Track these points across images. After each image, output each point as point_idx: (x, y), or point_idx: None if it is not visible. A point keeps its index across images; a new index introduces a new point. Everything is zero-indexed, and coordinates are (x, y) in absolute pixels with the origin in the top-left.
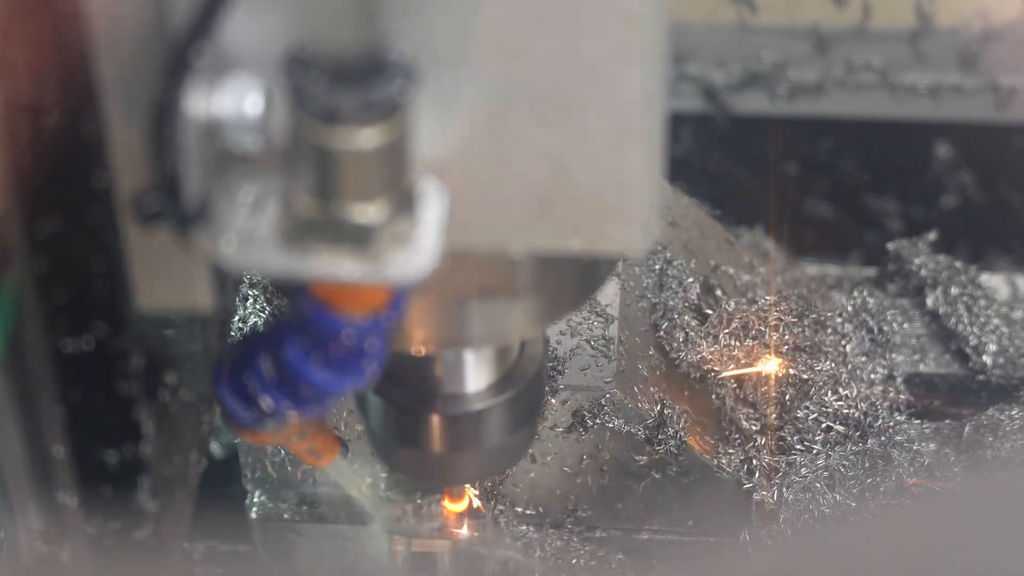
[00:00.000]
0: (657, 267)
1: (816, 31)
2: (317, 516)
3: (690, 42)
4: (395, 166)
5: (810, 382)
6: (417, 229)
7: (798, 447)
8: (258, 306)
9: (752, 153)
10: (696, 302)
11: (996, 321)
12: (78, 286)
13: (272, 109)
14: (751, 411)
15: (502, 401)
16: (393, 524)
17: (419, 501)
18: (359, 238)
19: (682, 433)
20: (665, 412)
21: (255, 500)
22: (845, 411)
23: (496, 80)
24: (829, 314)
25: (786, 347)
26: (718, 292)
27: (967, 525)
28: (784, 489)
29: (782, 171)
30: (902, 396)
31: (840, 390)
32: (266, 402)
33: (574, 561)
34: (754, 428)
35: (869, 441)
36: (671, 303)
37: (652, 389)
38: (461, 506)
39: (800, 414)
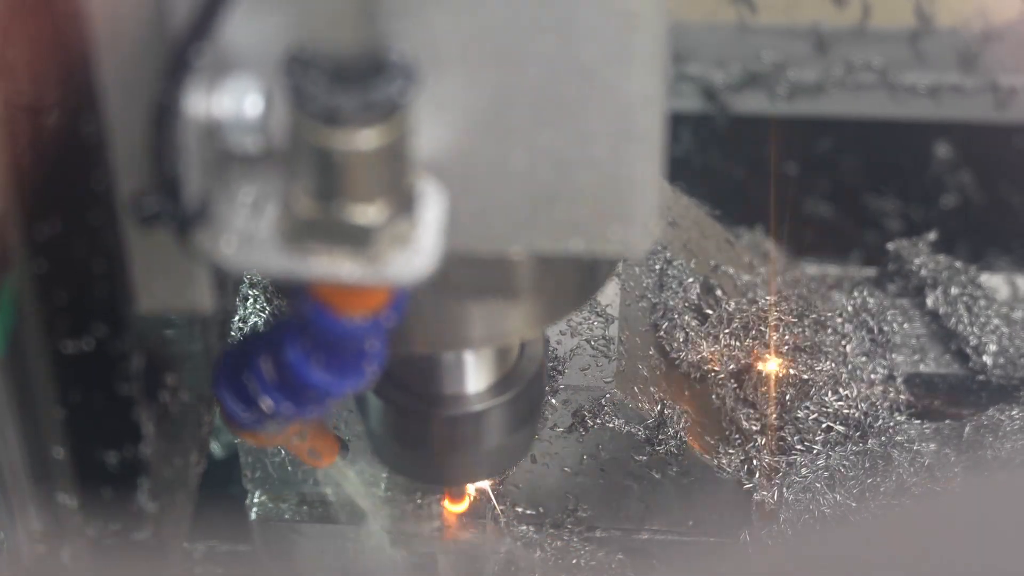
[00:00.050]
0: (657, 267)
1: (816, 31)
2: (317, 516)
3: (690, 42)
4: (395, 167)
5: (810, 382)
6: (417, 230)
7: (798, 447)
8: (258, 306)
9: (752, 153)
10: (696, 302)
11: (996, 321)
12: (78, 287)
13: (272, 109)
14: (751, 411)
15: (502, 402)
16: (393, 524)
17: (419, 501)
18: (359, 239)
19: (682, 433)
20: (665, 412)
21: (255, 500)
22: (845, 411)
23: (496, 80)
24: (829, 314)
25: (786, 347)
26: (718, 292)
27: (967, 525)
28: (784, 489)
29: (782, 171)
30: (902, 396)
31: (840, 390)
32: (266, 403)
33: (574, 561)
34: (754, 428)
35: (869, 441)
36: (671, 303)
37: (652, 389)
38: (461, 507)
39: (800, 414)
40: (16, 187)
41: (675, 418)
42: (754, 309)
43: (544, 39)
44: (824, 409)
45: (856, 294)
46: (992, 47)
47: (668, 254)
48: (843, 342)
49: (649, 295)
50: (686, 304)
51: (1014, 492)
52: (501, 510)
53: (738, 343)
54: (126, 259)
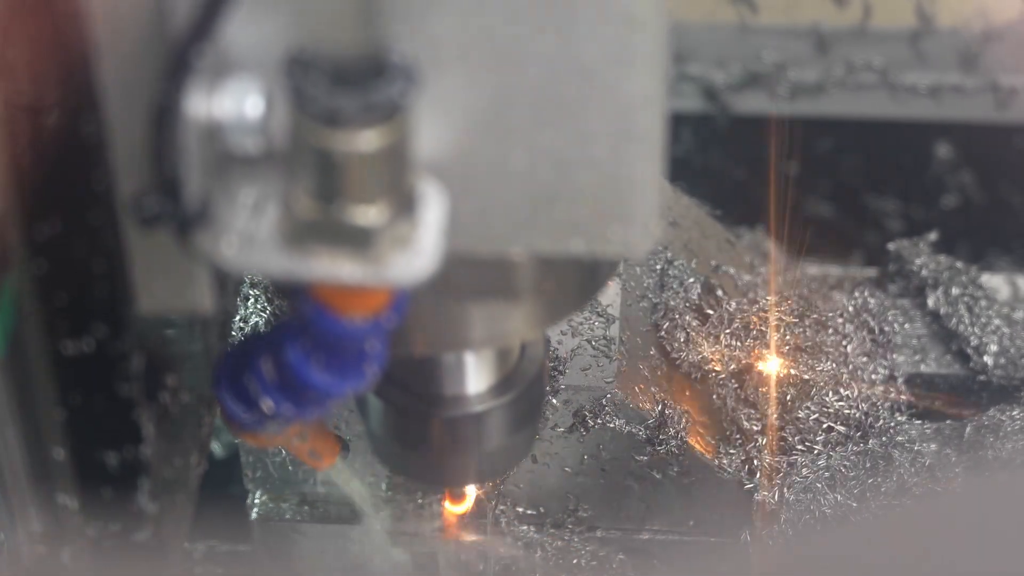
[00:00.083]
0: (658, 267)
1: (816, 31)
2: (318, 516)
3: (690, 42)
4: (395, 168)
5: (811, 382)
6: (417, 231)
7: (799, 447)
8: (259, 306)
9: (752, 153)
10: (697, 302)
11: (997, 321)
12: (78, 287)
13: (272, 111)
14: (752, 411)
15: (503, 403)
16: (394, 524)
17: (420, 501)
18: (359, 240)
19: (683, 433)
20: (666, 412)
21: (256, 500)
22: (846, 411)
23: (496, 81)
24: (830, 314)
25: (787, 347)
26: (719, 292)
27: (968, 526)
28: (785, 489)
29: (783, 171)
30: (903, 396)
31: (841, 390)
32: (267, 404)
33: (575, 561)
34: (755, 428)
35: (870, 441)
36: (672, 303)
37: (653, 389)
38: (462, 507)
39: (801, 414)
40: (16, 187)
41: (676, 418)
42: (755, 309)
43: (544, 39)
44: (825, 409)
45: (857, 294)
46: (992, 47)
47: (669, 254)
48: (844, 342)
49: (650, 295)
50: (687, 304)
51: (1015, 492)
52: (502, 510)
53: (739, 343)
54: (126, 259)
